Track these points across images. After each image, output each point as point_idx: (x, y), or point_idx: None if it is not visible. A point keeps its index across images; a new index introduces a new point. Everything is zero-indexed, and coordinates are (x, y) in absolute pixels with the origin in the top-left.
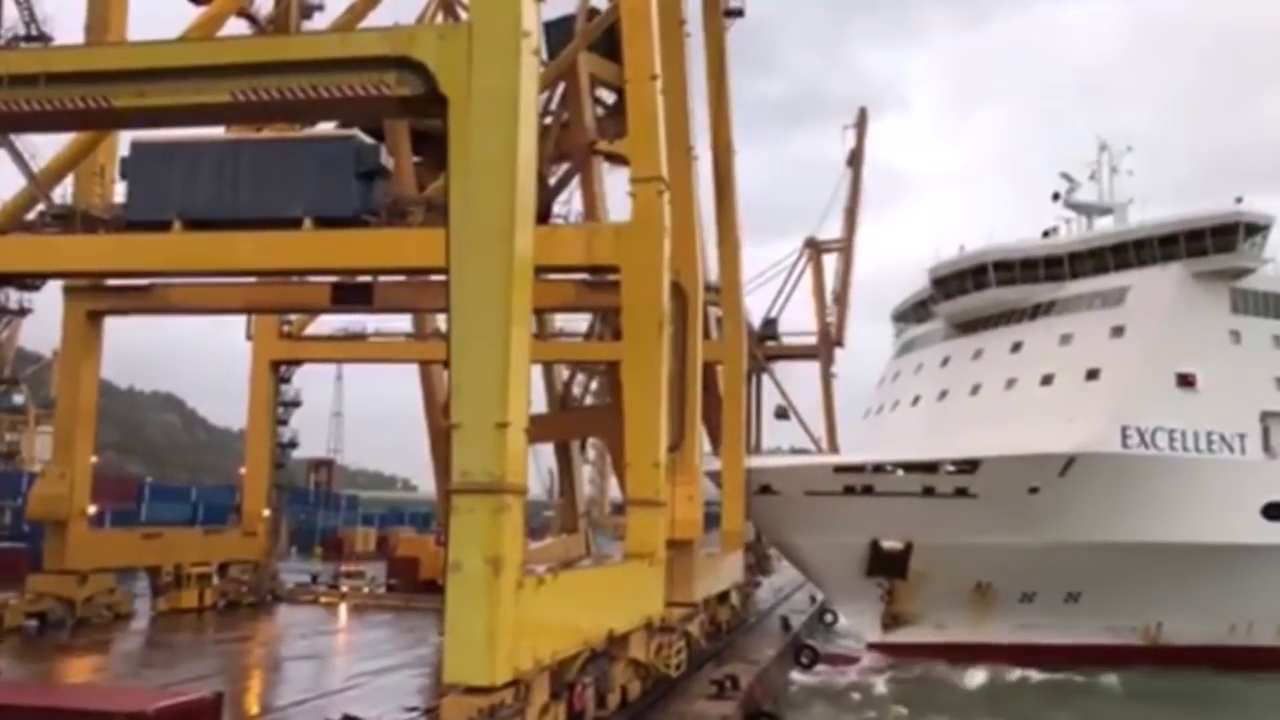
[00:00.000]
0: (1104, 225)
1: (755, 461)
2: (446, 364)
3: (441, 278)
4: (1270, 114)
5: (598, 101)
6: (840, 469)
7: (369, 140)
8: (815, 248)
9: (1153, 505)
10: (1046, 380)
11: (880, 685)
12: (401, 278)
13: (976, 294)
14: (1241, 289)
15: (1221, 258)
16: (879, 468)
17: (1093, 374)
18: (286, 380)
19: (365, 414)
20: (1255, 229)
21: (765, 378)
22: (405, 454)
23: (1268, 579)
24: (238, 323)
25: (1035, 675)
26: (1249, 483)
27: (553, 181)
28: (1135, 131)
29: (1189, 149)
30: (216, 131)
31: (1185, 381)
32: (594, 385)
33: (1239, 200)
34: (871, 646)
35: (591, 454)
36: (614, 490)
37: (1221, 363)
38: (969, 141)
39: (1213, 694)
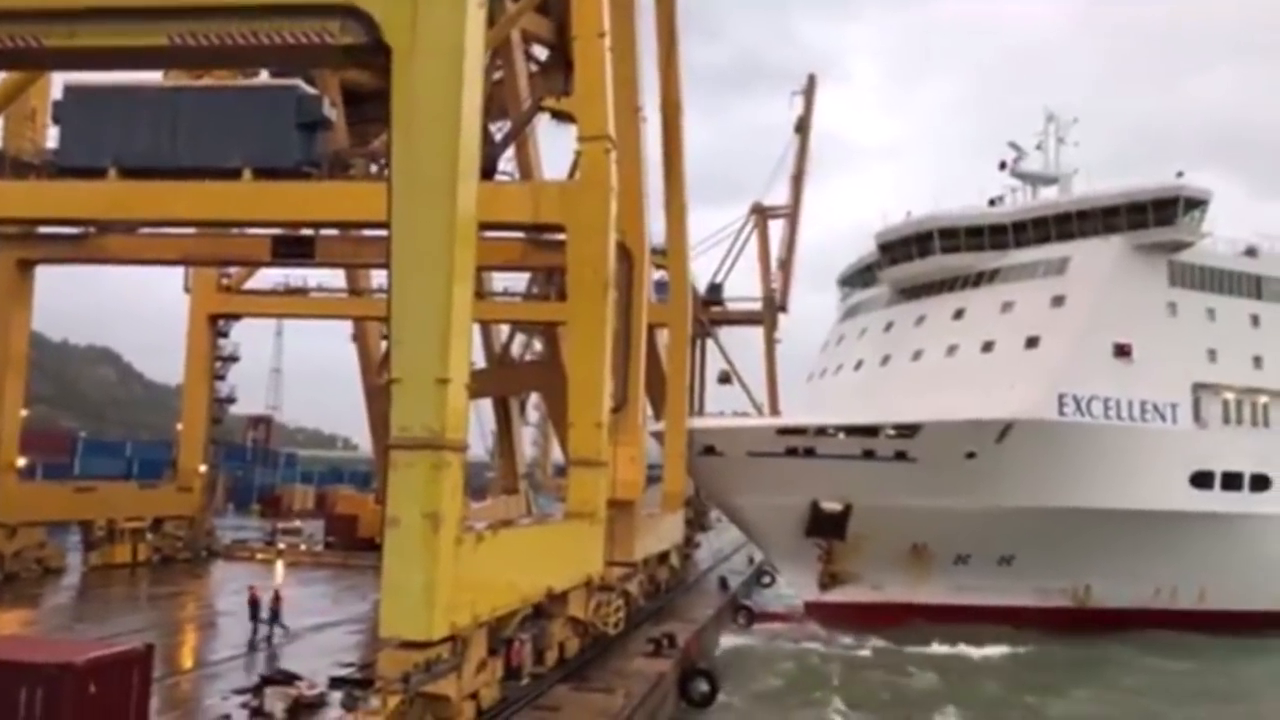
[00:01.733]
0: (1049, 195)
1: (699, 423)
2: (387, 319)
3: (384, 232)
4: (1199, 94)
5: (530, 58)
6: (783, 431)
7: (311, 90)
8: (761, 213)
9: (1086, 472)
10: (987, 347)
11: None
12: (344, 231)
13: (921, 260)
14: (1179, 262)
15: (1161, 231)
16: (821, 430)
17: (1032, 342)
18: (225, 334)
19: (306, 371)
20: (1194, 203)
21: (709, 342)
22: (346, 412)
23: (1192, 545)
24: (175, 275)
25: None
26: (1179, 452)
27: (498, 138)
28: (1074, 106)
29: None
30: (154, 78)
31: (1122, 351)
32: (536, 345)
33: (1180, 175)
34: (809, 605)
35: (534, 416)
36: (557, 453)
37: (1157, 334)
38: (913, 112)
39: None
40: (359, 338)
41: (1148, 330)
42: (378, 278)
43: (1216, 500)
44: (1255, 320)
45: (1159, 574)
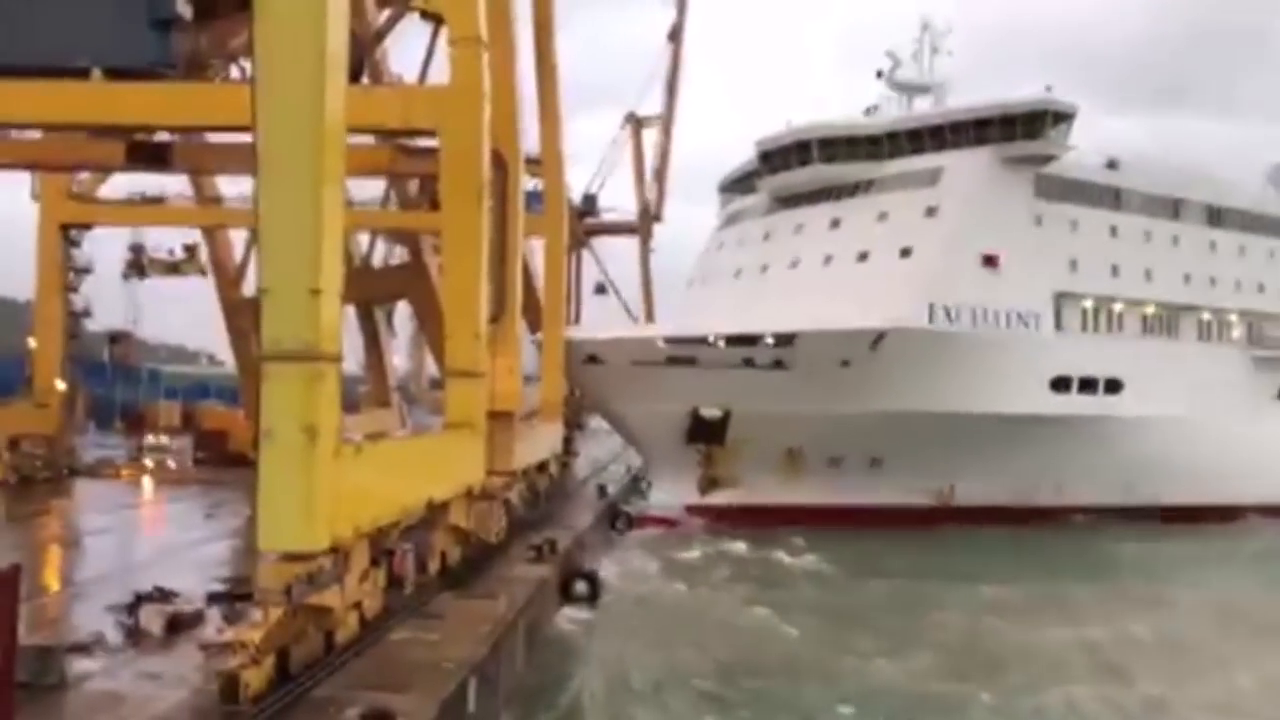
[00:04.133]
0: (923, 105)
1: (582, 333)
2: (254, 229)
3: (247, 138)
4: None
5: None
6: (668, 341)
7: None
8: (636, 123)
9: (953, 378)
10: (863, 257)
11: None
12: (204, 137)
13: (800, 169)
14: (1045, 175)
15: (1029, 144)
16: (703, 340)
17: (906, 252)
18: (77, 245)
19: (166, 285)
20: (1061, 117)
21: (585, 253)
22: (209, 327)
23: (1051, 445)
24: (21, 181)
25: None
26: (1040, 358)
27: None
28: (954, 14)
29: (974, 37)
30: None
31: (989, 262)
32: (398, 253)
33: (1048, 89)
34: (689, 509)
35: (410, 328)
36: (431, 366)
37: (1023, 245)
38: (791, 16)
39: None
40: (211, 249)
41: (1014, 241)
42: (230, 185)
43: (1073, 403)
44: (1114, 231)
45: (1018, 474)
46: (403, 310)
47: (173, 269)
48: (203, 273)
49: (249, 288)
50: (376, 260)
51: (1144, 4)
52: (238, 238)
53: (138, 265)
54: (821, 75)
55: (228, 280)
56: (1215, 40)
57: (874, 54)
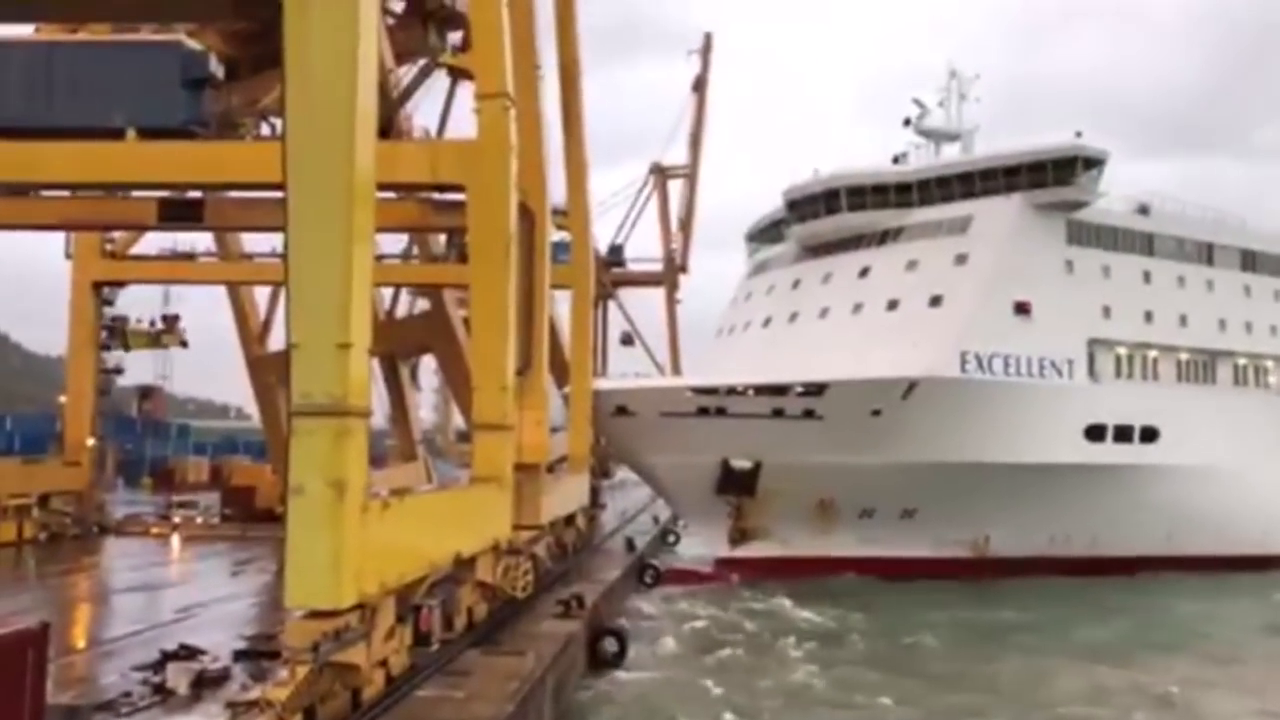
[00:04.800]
0: (951, 152)
1: (609, 383)
2: (285, 283)
3: (277, 194)
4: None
5: (386, 11)
6: (696, 390)
7: (196, 46)
8: (661, 173)
9: (986, 427)
10: (892, 305)
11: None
12: (234, 194)
13: (828, 218)
14: (1077, 220)
15: (1060, 190)
16: (732, 390)
17: (936, 300)
18: (110, 303)
19: (196, 339)
20: (1092, 163)
21: (611, 304)
22: (239, 381)
23: (1086, 495)
24: (56, 241)
25: None
26: (1074, 406)
27: (395, 94)
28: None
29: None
30: (26, 30)
31: (1021, 309)
32: (422, 304)
33: (1079, 135)
34: (719, 561)
35: (435, 381)
36: (458, 418)
37: (1055, 291)
38: (814, 69)
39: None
40: (235, 306)
41: (1046, 288)
42: (255, 242)
43: (1108, 452)
44: (1147, 276)
45: (1054, 523)
46: (428, 363)
47: (154, 341)
48: (184, 344)
49: (273, 343)
50: (400, 312)
51: (1163, 51)
52: (261, 294)
53: (120, 336)
54: (844, 124)
55: (251, 337)
56: (1234, 86)
57: (896, 103)
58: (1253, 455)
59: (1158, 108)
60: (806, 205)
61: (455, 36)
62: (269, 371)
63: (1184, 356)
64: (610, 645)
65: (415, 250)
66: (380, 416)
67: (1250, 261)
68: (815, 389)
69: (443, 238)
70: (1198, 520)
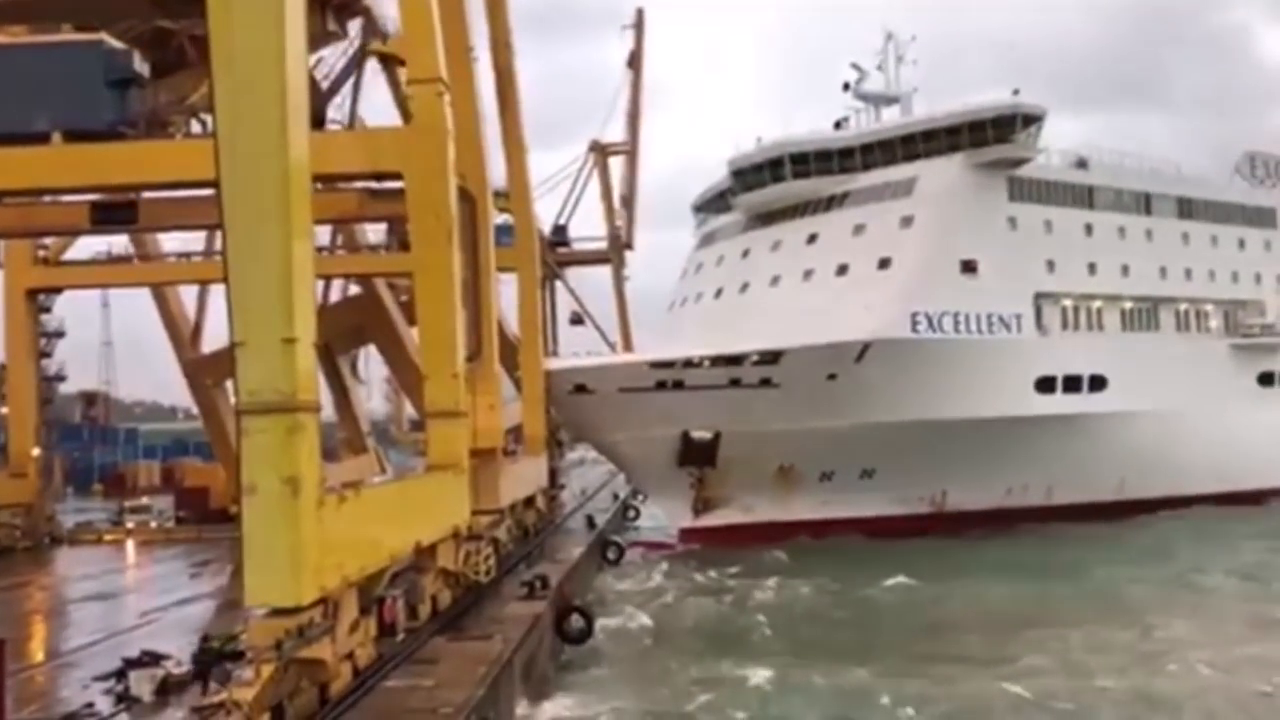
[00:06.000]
0: (891, 115)
1: (567, 363)
2: (225, 280)
3: (211, 191)
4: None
5: None
6: (653, 365)
7: (119, 45)
8: (601, 151)
9: (939, 385)
10: (842, 270)
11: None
12: (168, 194)
13: (774, 186)
14: (1018, 177)
15: (1001, 148)
16: (689, 362)
17: (884, 263)
18: (47, 310)
19: (138, 341)
20: (1030, 120)
21: (559, 284)
22: (184, 383)
23: (1039, 446)
24: None
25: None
26: (1023, 359)
27: (324, 86)
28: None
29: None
30: None
31: (968, 267)
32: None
33: (1016, 93)
34: (684, 532)
35: (386, 371)
36: (410, 408)
37: (1000, 248)
38: (745, 39)
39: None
40: (163, 311)
41: (991, 245)
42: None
43: (1059, 403)
44: (1088, 229)
45: (1010, 475)
46: (375, 356)
47: None
48: None
49: (206, 345)
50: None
51: (1081, 6)
52: (188, 296)
53: None
54: (784, 93)
55: (182, 341)
56: (1150, 38)
57: (834, 69)
58: (1198, 398)
59: (1078, 63)
60: (752, 174)
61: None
62: (205, 374)
63: (1127, 305)
64: (576, 622)
65: (340, 241)
66: (328, 410)
67: (1187, 209)
68: (770, 357)
69: (371, 228)
70: (1149, 464)
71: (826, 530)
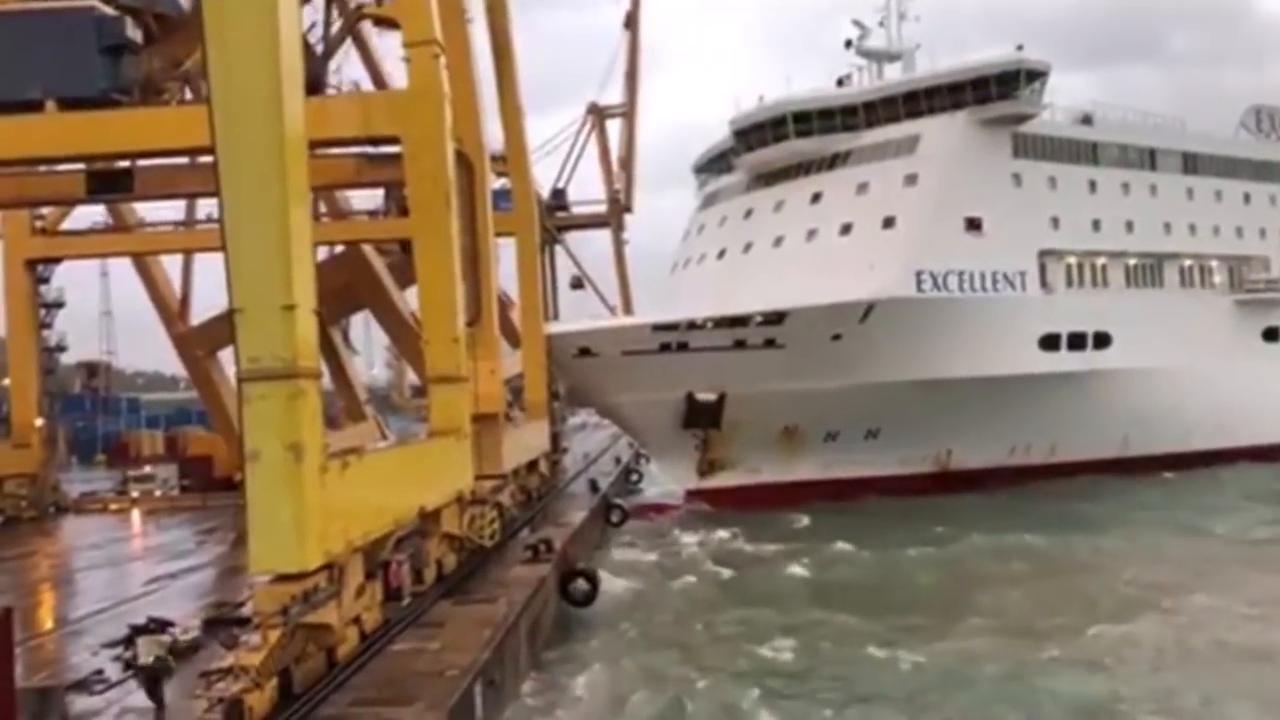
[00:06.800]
0: (893, 72)
1: (571, 326)
2: (222, 248)
3: (209, 159)
4: None
5: None
6: (657, 327)
7: (110, 10)
8: (598, 113)
9: (944, 344)
10: (846, 229)
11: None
12: (164, 161)
13: (776, 145)
14: (1022, 134)
15: (1004, 104)
16: (692, 324)
17: (889, 222)
18: (46, 280)
19: (139, 311)
20: (1035, 75)
21: (558, 249)
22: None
23: (1044, 404)
24: None
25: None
26: (1028, 317)
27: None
28: None
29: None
30: None
31: (973, 225)
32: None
33: (1020, 48)
34: (689, 493)
35: (387, 339)
36: (412, 374)
37: (1004, 206)
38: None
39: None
40: (149, 284)
41: (996, 202)
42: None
43: (1064, 360)
44: (1093, 185)
45: (1014, 434)
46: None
47: None
48: None
49: (194, 317)
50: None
51: None
52: (173, 269)
53: None
54: (784, 51)
55: (171, 314)
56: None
57: (833, 28)
58: (1202, 354)
59: (1071, 19)
60: (754, 133)
61: None
62: (195, 345)
63: (1132, 262)
64: (581, 586)
65: (325, 209)
66: (324, 380)
67: (1191, 164)
68: (775, 318)
69: (358, 196)
70: (1153, 421)
71: (832, 490)
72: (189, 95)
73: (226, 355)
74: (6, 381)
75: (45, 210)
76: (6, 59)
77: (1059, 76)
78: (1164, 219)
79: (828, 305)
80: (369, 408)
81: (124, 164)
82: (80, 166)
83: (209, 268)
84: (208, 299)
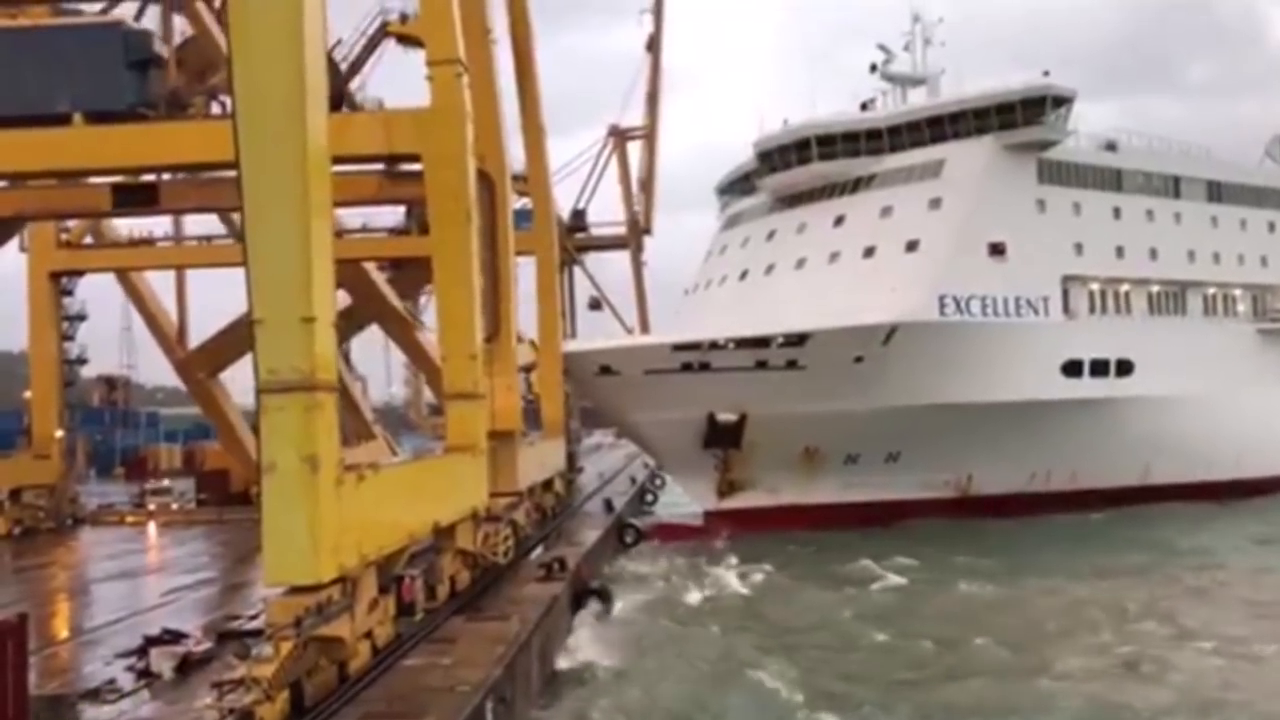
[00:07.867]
0: (917, 97)
1: (592, 344)
2: (244, 262)
3: (232, 173)
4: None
5: None
6: (679, 347)
7: (137, 26)
8: (619, 135)
9: (966, 368)
10: (869, 253)
11: None
12: (189, 175)
13: (800, 168)
14: (1047, 159)
15: (1030, 130)
16: (714, 344)
17: (912, 245)
18: (69, 293)
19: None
20: (1061, 101)
21: (577, 269)
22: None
23: (1063, 430)
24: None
25: None
26: (1050, 343)
27: (344, 67)
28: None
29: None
30: None
31: (996, 250)
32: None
33: (1046, 74)
34: (708, 514)
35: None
36: (429, 393)
37: (1028, 231)
38: (765, 22)
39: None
40: (144, 314)
41: (1019, 228)
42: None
43: (1085, 387)
44: (1117, 212)
45: (1035, 459)
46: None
47: None
48: None
49: (192, 341)
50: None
51: None
52: (167, 298)
53: None
54: (807, 76)
55: (170, 343)
56: (1163, 22)
57: (857, 53)
58: (1224, 383)
59: (1088, 49)
60: (778, 156)
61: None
62: (196, 368)
63: (1155, 289)
64: (594, 605)
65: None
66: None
67: (1216, 192)
68: (797, 339)
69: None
70: (1174, 450)
71: (851, 514)
72: (214, 109)
73: (227, 375)
74: (27, 394)
75: (70, 223)
76: (35, 73)
77: (1081, 104)
78: (1188, 247)
79: (850, 327)
80: (377, 427)
81: (149, 177)
82: (106, 180)
83: (203, 287)
84: (203, 323)
